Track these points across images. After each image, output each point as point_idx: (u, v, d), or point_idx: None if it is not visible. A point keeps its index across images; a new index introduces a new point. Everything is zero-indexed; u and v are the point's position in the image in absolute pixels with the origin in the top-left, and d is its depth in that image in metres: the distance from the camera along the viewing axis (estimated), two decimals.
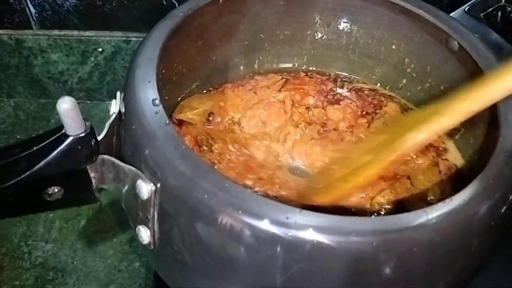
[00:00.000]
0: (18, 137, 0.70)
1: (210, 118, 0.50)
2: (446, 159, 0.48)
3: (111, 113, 0.36)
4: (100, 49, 0.67)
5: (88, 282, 0.55)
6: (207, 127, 0.49)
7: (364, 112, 0.53)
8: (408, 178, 0.46)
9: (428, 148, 0.49)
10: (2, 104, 0.73)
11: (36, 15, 0.64)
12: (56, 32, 0.66)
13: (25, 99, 0.73)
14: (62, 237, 0.58)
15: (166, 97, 0.48)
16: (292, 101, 0.53)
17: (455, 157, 0.48)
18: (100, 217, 0.60)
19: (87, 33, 0.66)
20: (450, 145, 0.49)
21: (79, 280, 0.55)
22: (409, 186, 0.45)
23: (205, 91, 0.53)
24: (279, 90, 0.54)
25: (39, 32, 0.66)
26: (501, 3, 0.50)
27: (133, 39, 0.66)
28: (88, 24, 0.65)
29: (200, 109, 0.50)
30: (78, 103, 0.76)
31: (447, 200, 0.31)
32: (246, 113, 0.51)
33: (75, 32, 0.66)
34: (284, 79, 0.55)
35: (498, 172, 0.33)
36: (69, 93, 0.71)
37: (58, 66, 0.69)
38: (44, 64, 0.69)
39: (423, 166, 0.47)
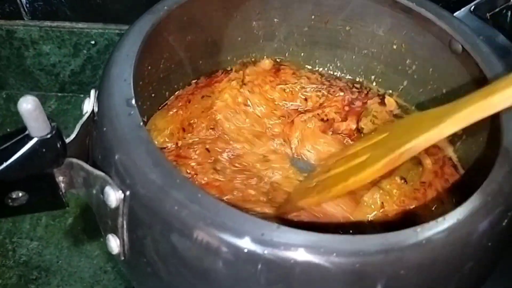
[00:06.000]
0: (8, 129, 0.68)
1: (185, 137, 0.47)
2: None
3: (84, 112, 0.34)
4: (92, 42, 0.66)
5: (72, 283, 0.54)
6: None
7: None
8: (402, 179, 0.44)
9: None
10: None
11: (27, 5, 0.63)
12: (47, 23, 0.65)
13: (17, 91, 0.72)
14: (48, 235, 0.57)
15: (153, 95, 0.47)
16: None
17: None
18: (87, 215, 0.59)
19: (80, 25, 0.65)
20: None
21: (63, 281, 0.54)
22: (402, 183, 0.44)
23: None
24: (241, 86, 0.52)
25: (30, 23, 0.65)
26: (510, 3, 0.47)
27: None
28: (80, 15, 0.64)
29: (168, 130, 0.46)
30: (70, 96, 0.75)
31: (439, 219, 0.28)
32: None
33: (67, 24, 0.65)
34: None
35: (497, 189, 0.31)
36: (62, 86, 0.71)
37: (50, 58, 0.68)
38: (35, 56, 0.68)
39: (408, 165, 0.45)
